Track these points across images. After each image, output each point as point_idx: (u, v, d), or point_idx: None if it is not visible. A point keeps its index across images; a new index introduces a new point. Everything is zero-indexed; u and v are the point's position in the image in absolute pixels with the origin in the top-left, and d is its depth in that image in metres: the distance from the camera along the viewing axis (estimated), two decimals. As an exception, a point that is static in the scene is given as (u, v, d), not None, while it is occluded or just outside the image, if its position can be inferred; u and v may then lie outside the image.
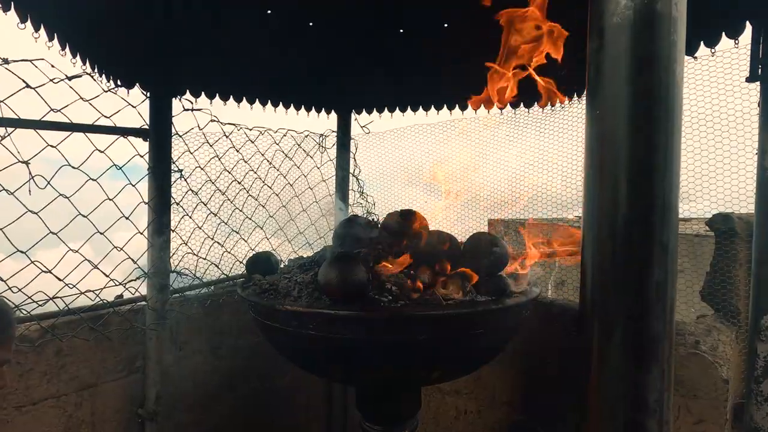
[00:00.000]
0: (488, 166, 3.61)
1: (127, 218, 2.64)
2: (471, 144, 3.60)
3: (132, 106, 2.69)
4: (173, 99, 2.88)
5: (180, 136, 2.88)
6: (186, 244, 2.91)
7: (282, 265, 2.58)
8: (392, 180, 3.97)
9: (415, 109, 3.52)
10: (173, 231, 2.86)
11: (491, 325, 1.99)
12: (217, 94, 3.16)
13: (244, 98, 3.28)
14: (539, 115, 3.47)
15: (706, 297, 2.78)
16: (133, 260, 2.67)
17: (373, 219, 2.32)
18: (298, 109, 3.52)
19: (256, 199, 3.22)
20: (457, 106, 3.39)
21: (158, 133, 2.82)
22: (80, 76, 2.46)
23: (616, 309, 1.04)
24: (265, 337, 2.27)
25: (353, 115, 3.66)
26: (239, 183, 3.12)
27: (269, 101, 3.39)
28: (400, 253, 2.09)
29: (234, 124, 3.07)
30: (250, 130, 3.17)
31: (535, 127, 3.46)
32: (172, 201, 2.85)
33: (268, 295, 2.09)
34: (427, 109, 3.50)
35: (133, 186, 2.69)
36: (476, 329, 1.95)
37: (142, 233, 2.74)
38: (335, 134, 3.64)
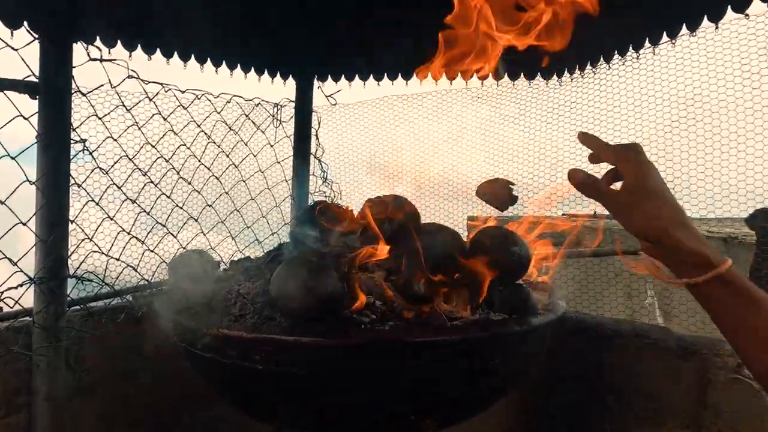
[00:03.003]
0: (478, 150, 3.18)
1: (2, 203, 2.02)
2: (459, 121, 3.16)
3: (13, 48, 2.07)
4: (75, 44, 2.27)
5: (84, 95, 2.29)
6: (91, 240, 2.31)
7: (221, 269, 2.03)
8: (362, 164, 3.48)
9: (393, 77, 3.03)
10: (72, 222, 2.26)
11: (511, 353, 1.54)
12: (140, 45, 2.56)
13: (176, 53, 2.69)
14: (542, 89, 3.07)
15: (743, 309, 2.44)
16: (11, 261, 2.06)
17: (346, 207, 1.82)
18: (246, 71, 2.99)
19: (189, 183, 2.64)
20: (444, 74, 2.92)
21: (52, 89, 2.23)
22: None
23: None
24: (192, 368, 1.72)
25: (316, 83, 3.13)
26: (167, 161, 2.55)
27: (209, 59, 2.82)
28: (386, 254, 1.59)
29: (160, 84, 2.49)
30: (183, 92, 2.59)
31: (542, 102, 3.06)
32: (72, 181, 2.25)
33: (195, 312, 1.55)
34: (407, 77, 3.02)
35: (13, 159, 2.09)
36: (491, 359, 1.50)
37: (26, 224, 2.12)
38: (293, 105, 3.10)
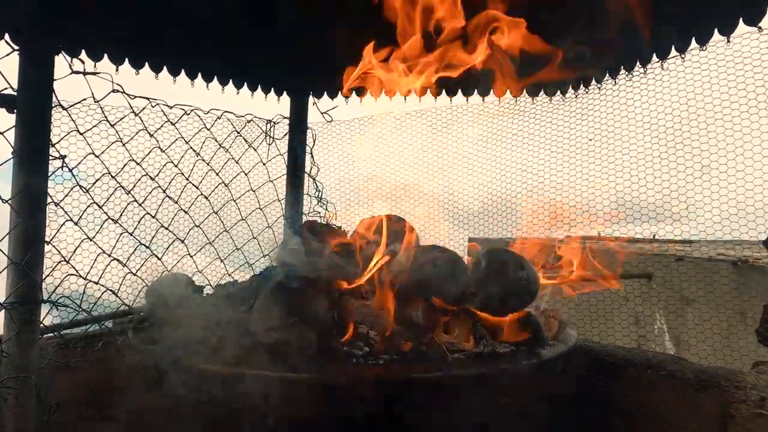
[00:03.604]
0: (477, 169, 3.08)
1: (-29, 222, 1.89)
2: (459, 138, 3.06)
3: (-11, 60, 1.98)
4: (57, 56, 2.18)
5: (65, 109, 2.19)
6: (68, 262, 2.17)
7: (204, 294, 1.90)
8: (359, 183, 3.36)
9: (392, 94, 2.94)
10: (48, 243, 2.13)
11: (520, 390, 1.39)
12: (127, 59, 2.49)
13: (165, 68, 2.62)
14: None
15: (764, 338, 2.30)
16: (-22, 284, 1.92)
17: (339, 228, 1.70)
18: (239, 87, 2.92)
19: (176, 202, 2.53)
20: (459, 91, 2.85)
21: (31, 102, 2.13)
22: None
23: None
24: (169, 404, 1.57)
25: (311, 99, 3.05)
26: (152, 179, 2.43)
27: (200, 74, 2.75)
28: (381, 280, 1.46)
29: (147, 98, 2.39)
30: (171, 108, 2.49)
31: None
32: (49, 200, 2.13)
33: (171, 343, 1.41)
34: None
35: (-15, 176, 1.96)
36: (498, 397, 1.35)
37: (-4, 245, 2.00)
38: (287, 121, 3.00)
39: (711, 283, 3.63)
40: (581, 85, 2.78)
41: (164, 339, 1.49)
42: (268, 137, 2.92)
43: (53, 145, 2.18)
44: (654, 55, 2.42)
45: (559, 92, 2.84)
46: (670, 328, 4.10)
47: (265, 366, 1.25)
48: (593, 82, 2.79)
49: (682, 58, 2.37)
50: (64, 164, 2.22)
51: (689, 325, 3.78)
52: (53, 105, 2.18)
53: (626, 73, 2.61)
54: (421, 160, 3.37)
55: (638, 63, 2.50)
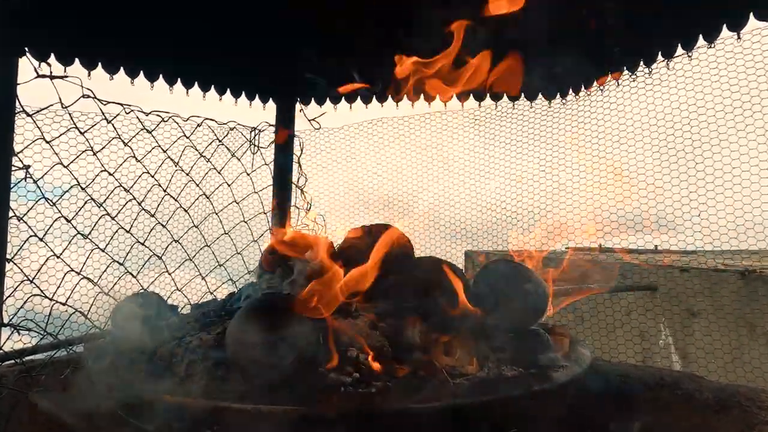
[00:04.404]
0: (477, 177, 2.95)
1: None
2: (456, 145, 2.94)
3: (-56, 62, 1.85)
4: (22, 59, 2.05)
5: (29, 115, 2.05)
6: (32, 282, 2.03)
7: (178, 315, 1.74)
8: (349, 193, 3.23)
9: (382, 99, 2.83)
10: (10, 260, 1.99)
11: (531, 418, 1.24)
12: (100, 63, 2.35)
13: (142, 72, 2.49)
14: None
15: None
16: (-71, 308, 1.76)
17: (326, 239, 1.55)
18: (221, 93, 2.78)
19: (153, 215, 2.38)
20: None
21: (-9, 108, 1.98)
22: None
23: None
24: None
25: (298, 105, 2.92)
26: (126, 190, 2.29)
27: (179, 79, 2.62)
28: (373, 296, 1.32)
29: (121, 104, 2.25)
30: (147, 114, 2.36)
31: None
32: (11, 214, 1.99)
33: (136, 371, 1.26)
34: (398, 99, 2.81)
35: (-62, 187, 1.82)
36: (505, 427, 1.20)
37: (-50, 264, 1.84)
38: (273, 129, 2.87)
39: (718, 294, 3.51)
40: (582, 88, 2.67)
41: (129, 365, 1.33)
42: (252, 146, 2.79)
43: (16, 155, 2.05)
44: (659, 55, 2.32)
45: (558, 95, 2.73)
46: (677, 341, 3.97)
47: (236, 397, 1.09)
48: (594, 84, 2.69)
49: (689, 56, 2.26)
50: (28, 175, 2.08)
51: (696, 339, 3.66)
52: (16, 111, 2.05)
53: (629, 74, 2.50)
54: (415, 169, 3.26)
55: (641, 63, 2.40)
